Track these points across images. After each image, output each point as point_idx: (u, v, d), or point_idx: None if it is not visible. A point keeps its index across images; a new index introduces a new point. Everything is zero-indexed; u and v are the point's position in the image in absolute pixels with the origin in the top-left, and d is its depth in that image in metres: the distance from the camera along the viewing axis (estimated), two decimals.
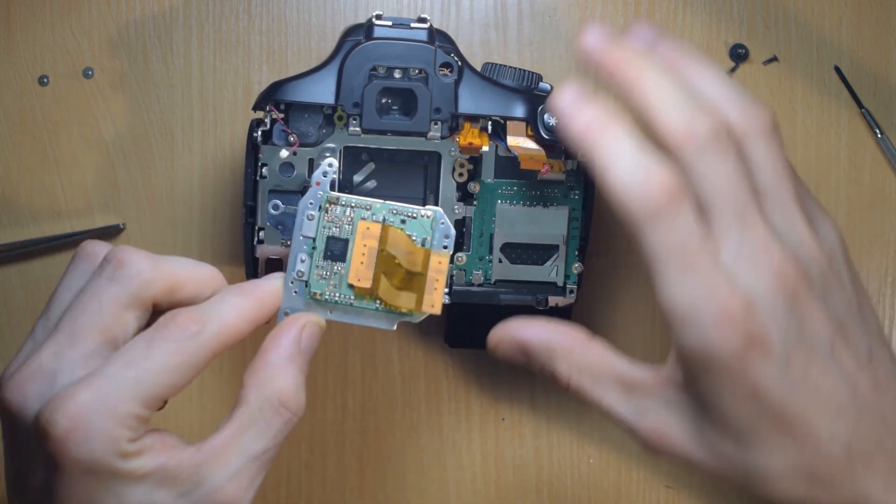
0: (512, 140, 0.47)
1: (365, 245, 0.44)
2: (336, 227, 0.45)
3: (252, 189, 0.47)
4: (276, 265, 0.49)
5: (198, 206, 0.55)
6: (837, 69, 0.56)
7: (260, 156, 0.47)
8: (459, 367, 0.56)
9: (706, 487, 0.56)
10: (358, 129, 0.47)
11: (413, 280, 0.45)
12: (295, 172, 0.48)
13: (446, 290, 0.48)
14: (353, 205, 0.45)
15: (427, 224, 0.45)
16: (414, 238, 0.45)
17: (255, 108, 0.47)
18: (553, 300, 0.50)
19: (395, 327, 0.45)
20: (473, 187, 0.49)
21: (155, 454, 0.40)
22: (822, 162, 0.56)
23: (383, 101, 0.47)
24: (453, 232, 0.45)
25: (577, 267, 0.49)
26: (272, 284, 0.44)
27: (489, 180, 0.49)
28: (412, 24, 0.47)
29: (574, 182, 0.49)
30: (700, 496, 0.56)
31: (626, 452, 0.56)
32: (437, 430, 0.56)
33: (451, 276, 0.49)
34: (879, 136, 0.56)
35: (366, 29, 0.47)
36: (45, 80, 0.55)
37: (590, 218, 0.49)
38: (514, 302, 0.49)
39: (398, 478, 0.56)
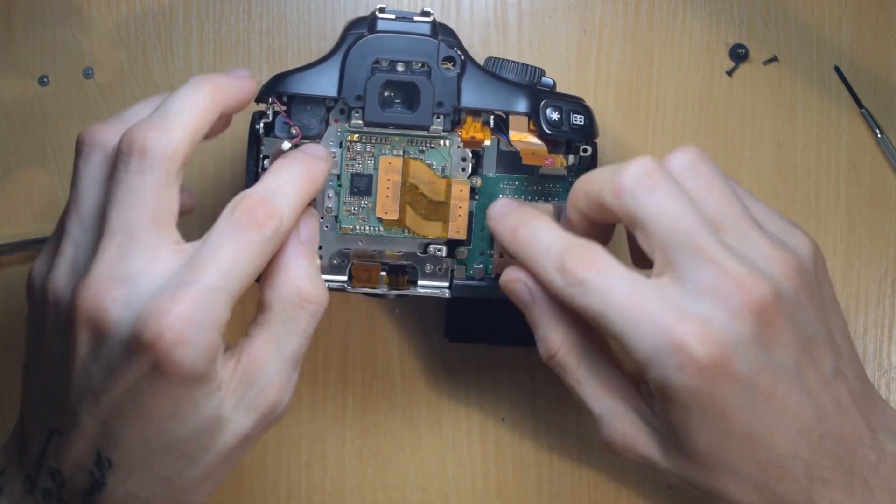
0: (514, 134, 0.47)
1: (388, 179, 0.47)
2: (359, 163, 0.47)
3: (254, 181, 0.47)
4: None
5: (198, 205, 0.55)
6: (837, 69, 0.56)
7: (262, 148, 0.47)
8: (459, 366, 0.56)
9: None
10: (360, 122, 0.47)
11: (437, 208, 0.47)
12: None
13: (447, 284, 0.49)
14: (372, 140, 0.47)
15: (445, 151, 0.47)
16: (433, 167, 0.47)
17: (257, 101, 0.47)
18: None
19: (423, 251, 0.49)
20: (475, 182, 0.49)
21: (221, 362, 0.41)
22: (822, 162, 0.56)
23: (386, 94, 0.47)
24: (469, 154, 0.48)
25: None
26: (318, 161, 0.45)
27: (491, 175, 0.49)
28: (415, 18, 0.47)
29: (575, 176, 0.49)
30: (700, 496, 0.56)
31: None
32: (437, 429, 0.56)
33: (452, 271, 0.49)
34: (879, 136, 0.56)
35: (369, 22, 0.47)
36: (45, 80, 0.55)
37: None
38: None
39: (398, 477, 0.56)
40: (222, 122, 0.45)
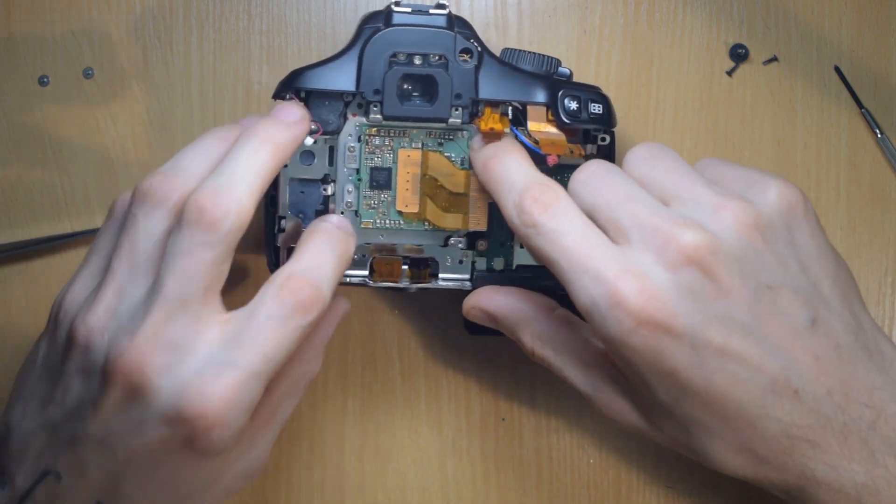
0: (533, 125, 0.47)
1: (408, 172, 0.48)
2: (378, 157, 0.48)
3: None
4: None
5: None
6: (837, 69, 0.56)
7: None
8: (460, 367, 0.56)
9: (707, 487, 0.56)
10: (379, 115, 0.47)
11: (457, 200, 0.48)
12: (315, 160, 0.48)
13: (468, 276, 0.50)
14: (391, 133, 0.47)
15: (463, 143, 0.48)
16: (453, 159, 0.48)
17: (275, 97, 0.47)
18: None
19: (443, 244, 0.49)
20: None
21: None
22: (822, 162, 0.56)
23: (404, 87, 0.47)
24: None
25: None
26: (352, 240, 0.45)
27: None
28: (431, 11, 0.47)
29: None
30: (700, 496, 0.56)
31: (626, 452, 0.56)
32: (437, 429, 0.56)
33: (473, 263, 0.50)
34: (879, 136, 0.56)
35: (385, 16, 0.47)
36: (45, 80, 0.55)
37: None
38: (535, 288, 0.49)
39: (398, 478, 0.56)
40: None
